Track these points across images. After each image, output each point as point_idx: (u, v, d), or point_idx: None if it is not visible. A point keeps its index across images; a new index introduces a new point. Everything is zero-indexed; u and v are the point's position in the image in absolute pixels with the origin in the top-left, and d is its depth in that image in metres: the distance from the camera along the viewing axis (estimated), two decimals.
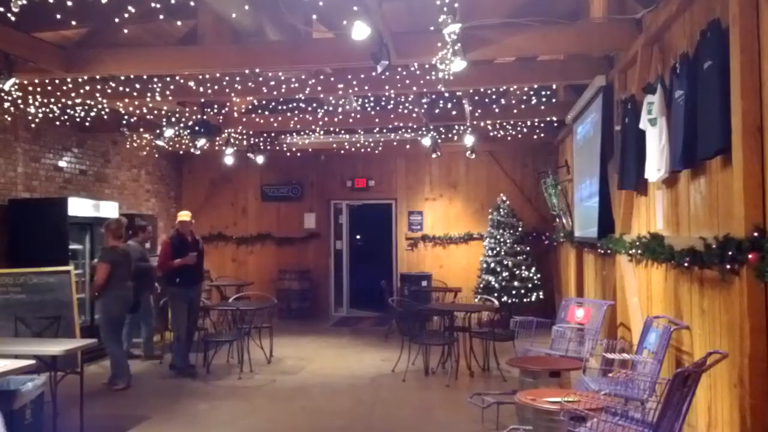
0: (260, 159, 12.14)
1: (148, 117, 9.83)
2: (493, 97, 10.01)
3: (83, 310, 8.81)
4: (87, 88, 7.94)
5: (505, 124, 10.71)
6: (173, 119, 9.74)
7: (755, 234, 3.29)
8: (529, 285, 11.17)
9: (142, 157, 12.15)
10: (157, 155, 12.66)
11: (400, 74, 7.28)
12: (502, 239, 11.43)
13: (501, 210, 11.69)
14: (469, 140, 10.53)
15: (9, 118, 8.73)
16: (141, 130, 10.47)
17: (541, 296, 11.24)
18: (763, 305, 3.33)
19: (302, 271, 13.13)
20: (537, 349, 6.70)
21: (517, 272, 11.20)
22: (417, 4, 6.77)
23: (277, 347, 9.32)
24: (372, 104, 10.19)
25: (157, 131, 9.73)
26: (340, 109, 9.92)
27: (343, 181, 13.56)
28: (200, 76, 7.73)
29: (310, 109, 10.34)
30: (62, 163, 9.86)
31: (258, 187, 13.75)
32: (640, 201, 5.82)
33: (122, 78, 7.75)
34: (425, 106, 9.51)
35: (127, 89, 7.90)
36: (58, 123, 9.60)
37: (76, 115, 9.43)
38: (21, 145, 9.00)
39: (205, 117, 9.48)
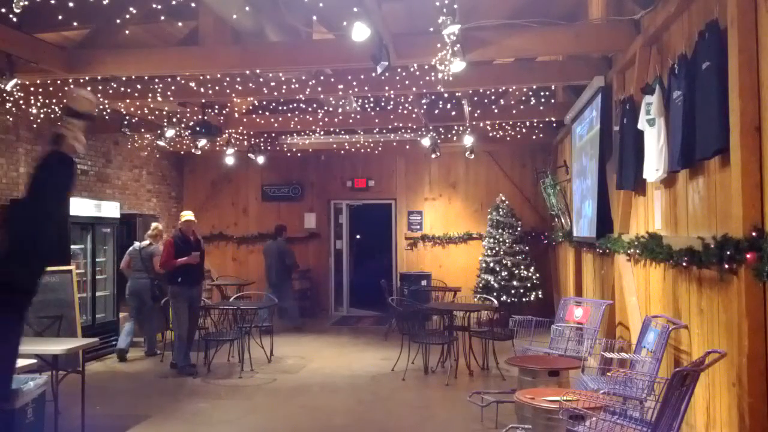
0: (261, 159, 12.17)
1: (149, 117, 9.86)
2: (492, 97, 10.04)
3: (84, 310, 8.84)
4: (88, 88, 7.95)
5: (504, 124, 10.74)
6: (174, 120, 9.76)
7: (753, 234, 3.30)
8: (528, 284, 11.20)
9: (143, 157, 12.17)
10: (158, 155, 12.69)
11: (399, 75, 7.30)
12: (501, 239, 11.46)
13: (500, 210, 11.72)
14: (468, 140, 10.56)
15: (11, 119, 8.75)
16: (142, 130, 10.49)
17: (540, 296, 11.26)
18: (762, 305, 3.34)
19: (302, 270, 13.12)
20: (536, 348, 6.72)
21: (516, 272, 11.22)
22: (417, 6, 6.80)
23: (278, 346, 9.35)
24: (372, 105, 10.22)
25: (159, 131, 9.76)
26: (340, 110, 9.94)
27: (343, 181, 13.58)
28: (201, 77, 7.76)
29: (310, 109, 10.37)
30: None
31: (258, 187, 13.77)
32: (639, 201, 5.84)
33: (123, 79, 7.78)
34: (425, 106, 9.53)
35: (129, 90, 7.93)
36: (59, 123, 9.62)
37: None
38: (23, 146, 9.02)
39: (206, 117, 9.51)
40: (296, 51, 6.66)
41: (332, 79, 7.76)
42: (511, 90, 9.83)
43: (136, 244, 9.26)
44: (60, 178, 2.08)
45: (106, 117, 9.84)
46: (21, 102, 8.15)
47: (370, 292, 13.45)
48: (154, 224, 9.61)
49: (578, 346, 6.44)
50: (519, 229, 11.69)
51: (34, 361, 5.12)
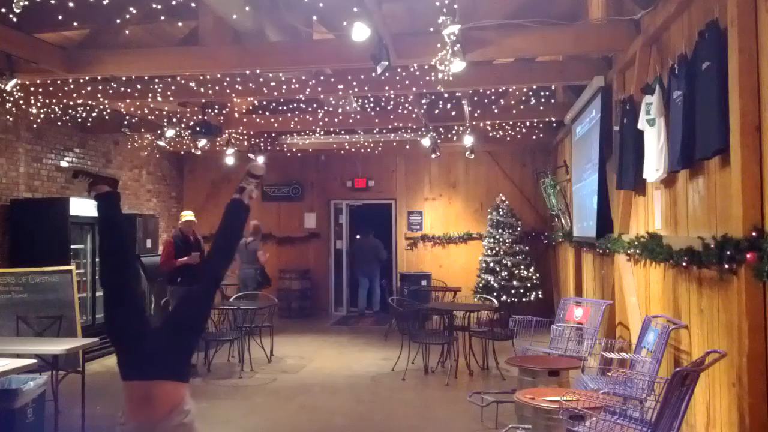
0: (261, 159, 12.15)
1: (149, 117, 9.86)
2: (492, 97, 10.03)
3: (84, 310, 8.84)
4: (88, 88, 7.96)
5: (504, 124, 10.73)
6: (174, 120, 9.76)
7: (753, 234, 3.30)
8: (528, 284, 11.20)
9: (143, 157, 12.17)
10: (158, 155, 12.69)
11: (399, 75, 7.30)
12: (501, 239, 11.45)
13: (500, 210, 11.72)
14: (468, 140, 10.55)
15: (11, 119, 8.76)
16: (142, 130, 10.49)
17: (540, 296, 11.26)
18: (761, 305, 3.34)
19: (302, 270, 13.15)
20: (536, 348, 6.72)
21: (516, 272, 11.22)
22: (417, 6, 6.79)
23: (278, 346, 9.35)
24: (372, 105, 10.21)
25: (159, 132, 9.76)
26: (340, 110, 9.94)
27: (343, 181, 13.58)
28: (201, 77, 7.75)
29: (310, 109, 10.36)
30: (64, 164, 9.88)
31: (258, 187, 13.73)
32: (639, 201, 5.84)
33: (123, 78, 7.78)
34: (425, 106, 9.53)
35: (129, 90, 7.92)
36: (59, 123, 9.63)
37: (78, 115, 9.47)
38: (23, 146, 9.02)
39: (206, 117, 9.50)
40: (296, 51, 6.65)
41: (332, 79, 7.75)
42: (511, 90, 9.82)
43: (243, 240, 10.41)
44: (242, 216, 3.79)
45: (106, 117, 9.85)
46: (21, 102, 8.15)
47: (370, 292, 13.55)
48: (253, 222, 10.90)
49: (578, 346, 6.44)
50: (519, 229, 11.69)
51: (34, 361, 5.11)
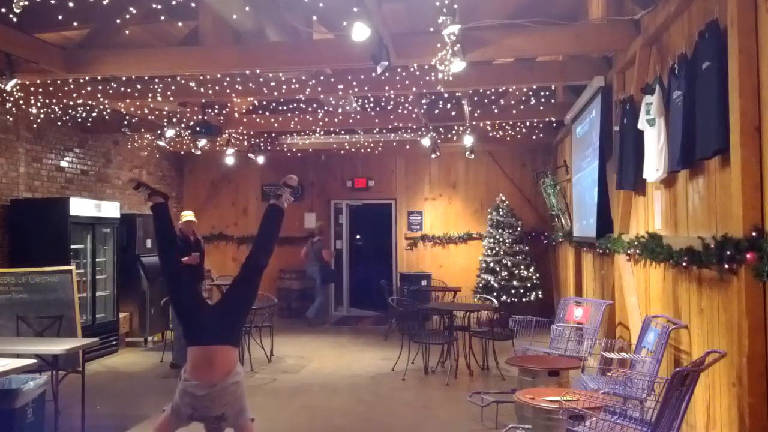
0: (261, 159, 12.17)
1: (149, 117, 9.85)
2: (493, 97, 10.03)
3: (84, 310, 8.84)
4: (88, 88, 7.96)
5: (504, 124, 10.73)
6: (174, 120, 9.75)
7: (753, 234, 3.31)
8: (528, 284, 11.20)
9: (143, 157, 12.18)
10: (158, 155, 12.69)
11: (399, 75, 7.30)
12: (501, 239, 11.46)
13: (500, 210, 11.73)
14: (468, 140, 10.55)
15: (11, 119, 8.75)
16: (142, 130, 10.49)
17: (540, 296, 11.27)
18: (761, 305, 3.35)
19: (303, 270, 13.10)
20: (536, 348, 6.72)
21: (516, 272, 11.23)
22: (417, 6, 6.80)
23: (278, 346, 9.35)
24: (372, 105, 10.21)
25: (159, 131, 9.75)
26: (340, 110, 9.94)
27: (343, 181, 13.58)
28: (201, 77, 7.75)
29: (310, 109, 10.36)
30: (64, 163, 9.89)
31: (258, 187, 13.76)
32: (639, 201, 5.84)
33: (123, 78, 7.77)
34: (425, 106, 9.53)
35: (129, 90, 7.92)
36: (59, 123, 9.63)
37: (78, 115, 9.47)
38: (23, 146, 9.02)
39: (206, 117, 9.50)
40: (296, 51, 6.65)
41: (332, 79, 7.75)
42: (511, 90, 9.81)
43: (311, 239, 12.30)
44: (279, 219, 4.54)
45: (106, 117, 9.85)
46: (21, 102, 8.15)
47: (371, 292, 13.53)
48: (319, 223, 12.74)
49: (578, 346, 6.45)
50: (519, 229, 11.69)
51: (34, 361, 5.11)
